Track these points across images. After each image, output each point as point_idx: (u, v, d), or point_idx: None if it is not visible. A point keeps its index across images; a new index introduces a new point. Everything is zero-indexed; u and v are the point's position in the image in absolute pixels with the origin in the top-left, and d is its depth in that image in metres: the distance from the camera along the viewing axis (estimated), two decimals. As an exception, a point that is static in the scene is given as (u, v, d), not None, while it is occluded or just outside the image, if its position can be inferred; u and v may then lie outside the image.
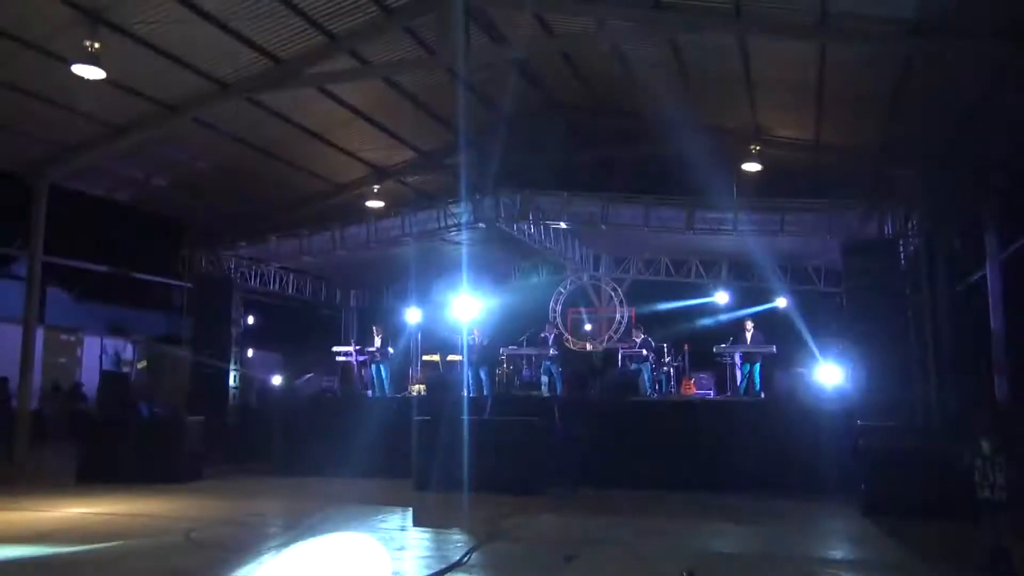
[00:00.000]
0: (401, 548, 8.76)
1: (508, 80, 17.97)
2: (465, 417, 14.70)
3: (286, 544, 9.08)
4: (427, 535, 9.69)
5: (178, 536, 9.24)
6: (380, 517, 10.91)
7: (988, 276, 16.40)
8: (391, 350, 18.41)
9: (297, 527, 10.32)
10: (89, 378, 19.85)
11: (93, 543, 9.04)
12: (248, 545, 8.89)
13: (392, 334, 20.56)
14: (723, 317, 21.07)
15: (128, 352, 21.32)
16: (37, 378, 18.23)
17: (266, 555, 8.37)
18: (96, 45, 12.36)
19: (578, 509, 11.89)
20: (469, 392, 17.18)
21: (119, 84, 14.49)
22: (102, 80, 13.61)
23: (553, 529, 10.21)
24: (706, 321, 21.82)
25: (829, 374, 16.76)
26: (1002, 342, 16.32)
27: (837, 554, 9.18)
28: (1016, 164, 15.65)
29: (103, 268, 20.06)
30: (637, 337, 17.57)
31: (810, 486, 13.10)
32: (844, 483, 12.58)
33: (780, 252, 19.08)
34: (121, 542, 9.08)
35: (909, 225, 14.61)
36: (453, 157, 20.69)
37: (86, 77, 12.64)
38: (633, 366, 17.10)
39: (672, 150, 19.17)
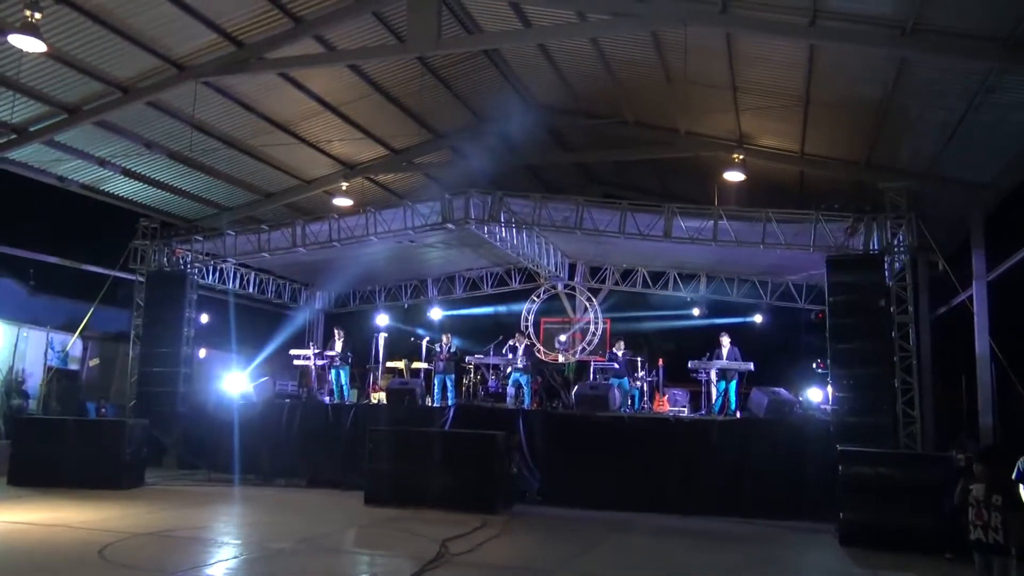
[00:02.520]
0: (334, 574, 7.92)
1: (484, 77, 17.28)
2: (424, 428, 13.94)
3: (207, 565, 8.21)
4: (366, 559, 8.84)
5: (91, 552, 8.33)
6: (321, 535, 10.05)
7: (974, 297, 15.84)
8: (351, 355, 17.58)
9: (227, 544, 9.45)
10: (34, 373, 18.77)
11: (-7, 558, 8.13)
12: (164, 565, 8.01)
13: (356, 338, 19.76)
14: (699, 323, 20.38)
15: (76, 348, 20.26)
16: (-28, 373, 17.20)
17: (180, 578, 7.50)
18: (37, 16, 11.44)
19: (538, 531, 11.09)
20: (434, 401, 16.40)
21: (66, 60, 13.62)
22: (47, 55, 12.81)
23: (508, 554, 9.39)
24: (682, 329, 21.13)
25: (809, 394, 16.11)
26: (987, 367, 15.75)
27: (814, 591, 8.44)
28: (1006, 182, 15.16)
29: (52, 259, 19.05)
30: (618, 350, 16.83)
31: (785, 511, 12.43)
32: (821, 509, 11.92)
33: (760, 267, 18.46)
34: (24, 559, 8.15)
35: (896, 241, 13.97)
36: (426, 155, 19.94)
37: (25, 50, 11.75)
38: (609, 380, 16.37)
39: (653, 156, 18.62)
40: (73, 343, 19.29)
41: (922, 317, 15.93)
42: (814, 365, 16.83)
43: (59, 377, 20.03)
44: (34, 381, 18.56)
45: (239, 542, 9.68)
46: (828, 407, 14.47)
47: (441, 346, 16.91)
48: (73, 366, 20.52)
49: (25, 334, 18.76)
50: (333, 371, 17.27)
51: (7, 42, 11.68)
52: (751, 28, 12.08)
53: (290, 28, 14.05)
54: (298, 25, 14.04)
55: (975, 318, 15.75)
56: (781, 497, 12.72)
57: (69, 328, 21.51)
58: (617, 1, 12.49)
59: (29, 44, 11.58)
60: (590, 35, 14.00)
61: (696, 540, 10.73)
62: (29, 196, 18.62)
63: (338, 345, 17.32)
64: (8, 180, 17.15)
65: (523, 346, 16.76)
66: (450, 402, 16.11)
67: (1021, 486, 7.80)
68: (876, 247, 14.10)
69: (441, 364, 16.78)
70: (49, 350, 19.09)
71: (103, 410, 19.20)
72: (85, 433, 14.35)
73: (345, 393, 17.16)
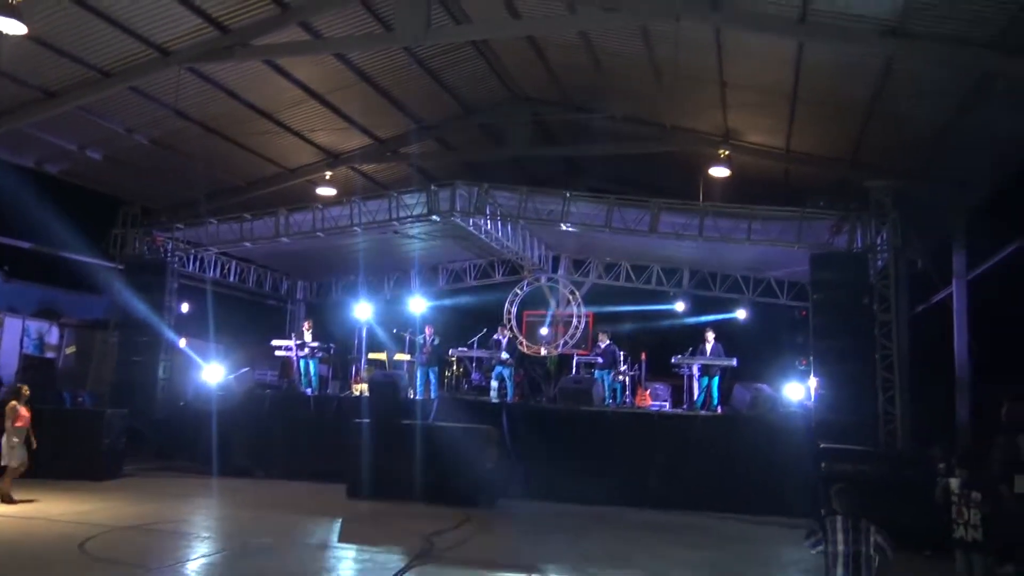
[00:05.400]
0: (318, 570, 7.85)
1: (472, 68, 17.15)
2: (407, 421, 13.86)
3: (189, 560, 8.11)
4: (351, 553, 8.77)
5: (71, 545, 8.20)
6: (303, 529, 9.98)
7: (954, 295, 16.00)
8: (321, 344, 17.35)
9: (208, 538, 9.35)
10: (9, 362, 18.48)
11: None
12: (146, 560, 7.90)
13: (338, 330, 19.62)
14: (685, 321, 20.42)
15: (53, 336, 19.96)
16: (-52, 360, 16.89)
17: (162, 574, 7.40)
18: (18, -4, 11.21)
19: (522, 525, 11.08)
20: (416, 394, 16.31)
21: (47, 43, 13.31)
22: (27, 37, 12.50)
23: (494, 549, 9.38)
24: (665, 326, 21.14)
25: (791, 390, 16.20)
26: (965, 364, 15.92)
27: (798, 588, 8.50)
28: (990, 182, 15.28)
29: (27, 245, 18.72)
30: (602, 343, 16.81)
31: (768, 507, 12.48)
32: (803, 505, 11.98)
33: (743, 263, 18.51)
34: (4, 553, 8.01)
35: (879, 239, 14.05)
36: (411, 146, 19.77)
37: (5, 31, 11.47)
38: (593, 373, 16.36)
39: (639, 151, 18.57)
40: (49, 330, 19.03)
41: (901, 314, 16.04)
42: (797, 363, 16.93)
43: (34, 365, 19.74)
44: (9, 370, 18.28)
45: (221, 536, 9.59)
46: (809, 404, 14.56)
47: (424, 338, 16.81)
48: (49, 354, 20.24)
49: (2, 321, 18.43)
50: (302, 361, 17.12)
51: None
52: (742, 23, 12.03)
53: (276, 14, 13.81)
54: (284, 11, 13.80)
55: (954, 316, 15.91)
56: (762, 493, 12.78)
57: (45, 315, 21.22)
58: (608, -8, 12.42)
59: (10, 26, 11.32)
60: (580, 27, 13.91)
61: (678, 535, 10.76)
62: (5, 181, 18.27)
63: (307, 335, 17.15)
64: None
65: (506, 339, 16.71)
66: (433, 395, 16.03)
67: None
68: (860, 245, 14.18)
69: (424, 356, 16.67)
70: (25, 337, 18.82)
71: (80, 399, 18.91)
72: (62, 423, 14.08)
73: (313, 383, 17.02)
